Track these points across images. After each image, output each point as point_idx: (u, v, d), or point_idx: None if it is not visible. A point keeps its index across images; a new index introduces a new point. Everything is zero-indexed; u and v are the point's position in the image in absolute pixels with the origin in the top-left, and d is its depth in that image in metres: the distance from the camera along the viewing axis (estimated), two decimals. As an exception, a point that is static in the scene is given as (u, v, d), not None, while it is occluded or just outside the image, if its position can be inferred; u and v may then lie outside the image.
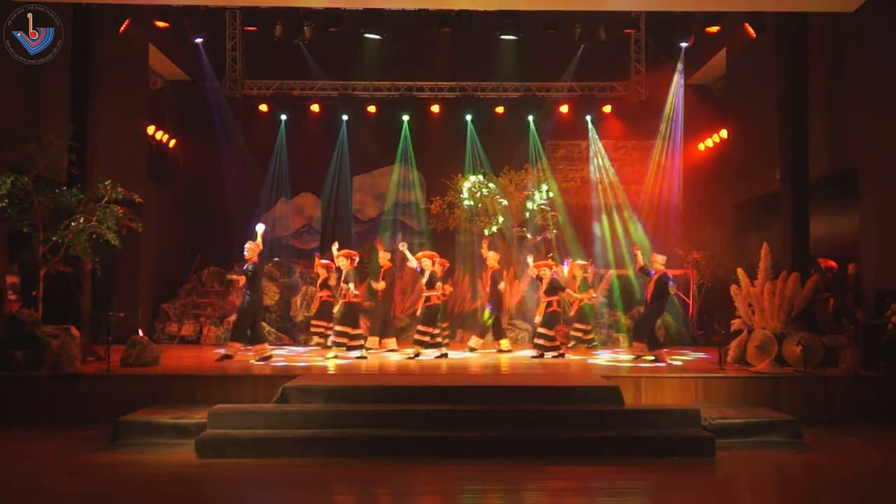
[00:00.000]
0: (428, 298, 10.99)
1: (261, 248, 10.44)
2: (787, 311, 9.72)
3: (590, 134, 16.62)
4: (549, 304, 11.04)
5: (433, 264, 11.12)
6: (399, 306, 15.33)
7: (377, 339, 12.08)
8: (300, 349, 12.39)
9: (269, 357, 10.23)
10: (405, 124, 16.74)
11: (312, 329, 12.41)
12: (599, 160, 16.55)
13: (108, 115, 11.85)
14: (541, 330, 11.04)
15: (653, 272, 10.55)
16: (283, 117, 16.61)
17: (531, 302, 14.01)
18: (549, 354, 10.89)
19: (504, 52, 15.31)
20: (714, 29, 13.11)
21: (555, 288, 11.10)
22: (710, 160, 15.84)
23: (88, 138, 11.02)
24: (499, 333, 12.23)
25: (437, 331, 11.12)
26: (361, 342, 10.97)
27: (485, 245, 12.60)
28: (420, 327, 10.96)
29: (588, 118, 16.59)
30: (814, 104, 11.55)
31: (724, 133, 15.39)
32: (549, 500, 6.15)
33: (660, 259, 10.64)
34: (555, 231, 15.56)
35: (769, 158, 12.34)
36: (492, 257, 12.17)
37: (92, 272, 10.47)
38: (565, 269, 12.78)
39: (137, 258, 13.62)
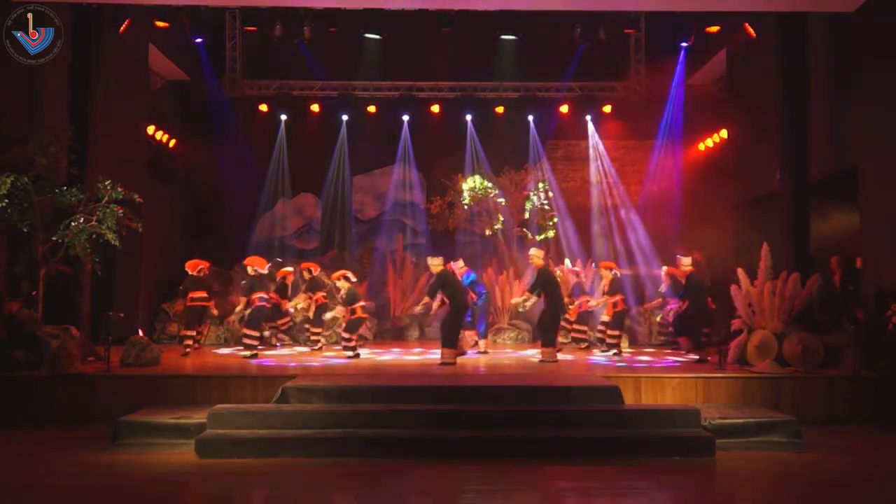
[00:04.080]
0: (353, 311, 11.18)
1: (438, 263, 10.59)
2: (788, 311, 9.72)
3: (590, 134, 16.63)
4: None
5: (346, 280, 11.39)
6: (399, 306, 15.38)
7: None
8: (305, 349, 12.41)
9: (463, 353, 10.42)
10: (405, 124, 16.75)
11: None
12: (599, 160, 16.56)
13: (108, 116, 11.85)
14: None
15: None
16: (283, 117, 16.62)
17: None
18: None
19: (504, 52, 15.32)
20: (714, 29, 13.12)
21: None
22: (710, 160, 15.85)
23: (88, 138, 11.03)
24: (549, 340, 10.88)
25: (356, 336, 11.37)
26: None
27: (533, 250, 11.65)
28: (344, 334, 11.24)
29: (588, 118, 16.59)
30: (814, 104, 11.55)
31: (724, 133, 15.39)
32: (548, 500, 6.14)
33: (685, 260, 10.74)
34: (553, 231, 15.61)
35: (769, 158, 12.34)
36: (535, 255, 11.26)
37: (92, 272, 10.47)
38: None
39: (137, 258, 13.62)
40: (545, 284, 10.69)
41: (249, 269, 11.29)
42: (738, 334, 9.95)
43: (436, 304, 10.48)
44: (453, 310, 10.20)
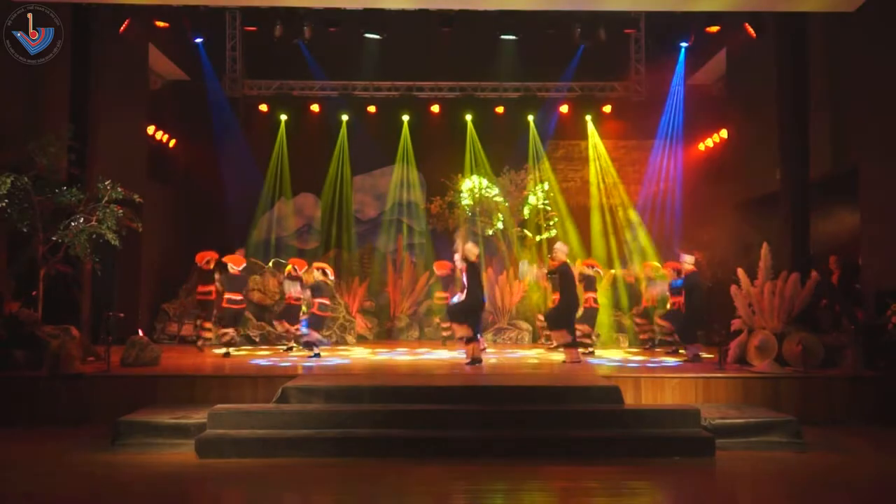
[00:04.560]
0: (310, 305, 11.05)
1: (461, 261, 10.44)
2: (788, 311, 9.72)
3: (590, 134, 16.62)
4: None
5: (322, 274, 11.24)
6: (399, 306, 15.38)
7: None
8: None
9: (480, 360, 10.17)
10: (405, 124, 16.75)
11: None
12: (599, 160, 16.55)
13: (108, 115, 11.85)
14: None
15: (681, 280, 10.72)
16: (283, 117, 16.62)
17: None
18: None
19: (504, 52, 15.30)
20: (714, 29, 13.11)
21: None
22: (710, 160, 15.84)
23: (88, 138, 11.03)
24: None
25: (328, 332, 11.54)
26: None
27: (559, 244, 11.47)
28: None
29: (588, 118, 16.59)
30: (814, 104, 11.55)
31: (724, 133, 15.39)
32: (549, 500, 6.15)
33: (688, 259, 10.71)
34: (554, 231, 15.59)
35: (769, 158, 12.34)
36: (560, 250, 10.99)
37: (92, 272, 10.47)
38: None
39: (137, 258, 13.62)
40: (564, 280, 10.65)
41: (229, 268, 11.36)
42: (738, 334, 9.95)
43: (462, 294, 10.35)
44: (473, 304, 10.13)
